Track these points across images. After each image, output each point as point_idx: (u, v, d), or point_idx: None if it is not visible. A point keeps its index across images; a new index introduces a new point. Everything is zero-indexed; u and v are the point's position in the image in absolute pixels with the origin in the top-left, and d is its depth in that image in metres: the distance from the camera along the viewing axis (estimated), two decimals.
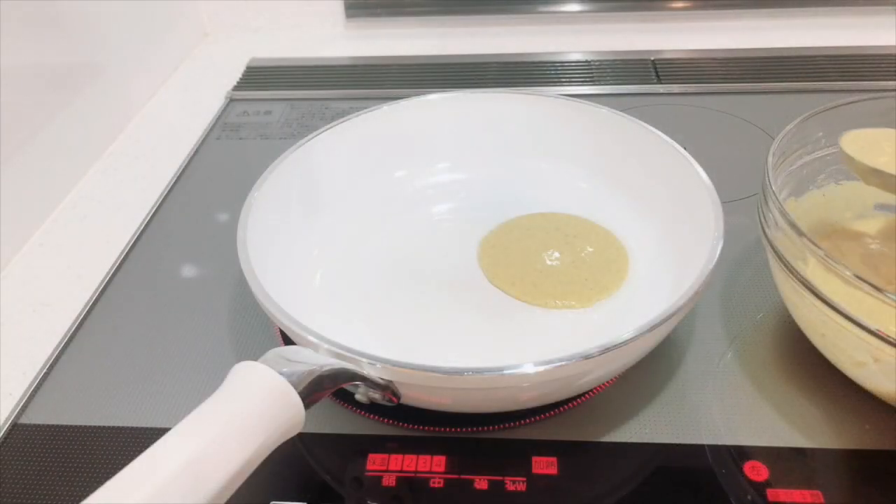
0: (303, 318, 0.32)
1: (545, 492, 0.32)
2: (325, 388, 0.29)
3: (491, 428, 0.35)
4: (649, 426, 0.35)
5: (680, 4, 0.74)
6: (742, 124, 0.57)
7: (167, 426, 0.25)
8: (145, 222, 0.51)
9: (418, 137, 0.49)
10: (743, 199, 0.48)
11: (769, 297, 0.41)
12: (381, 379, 0.30)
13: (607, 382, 0.36)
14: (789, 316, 0.37)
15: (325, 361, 0.29)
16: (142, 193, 0.54)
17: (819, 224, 0.41)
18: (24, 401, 0.38)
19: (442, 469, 0.33)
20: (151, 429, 0.36)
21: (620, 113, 0.45)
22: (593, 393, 0.36)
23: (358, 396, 0.31)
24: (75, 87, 0.56)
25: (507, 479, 0.33)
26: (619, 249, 0.43)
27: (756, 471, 0.32)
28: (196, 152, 0.58)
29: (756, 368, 0.37)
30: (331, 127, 0.46)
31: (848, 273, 0.29)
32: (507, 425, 0.35)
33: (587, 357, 0.29)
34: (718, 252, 0.34)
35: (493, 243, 0.44)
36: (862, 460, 0.33)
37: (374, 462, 0.34)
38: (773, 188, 0.34)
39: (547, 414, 0.35)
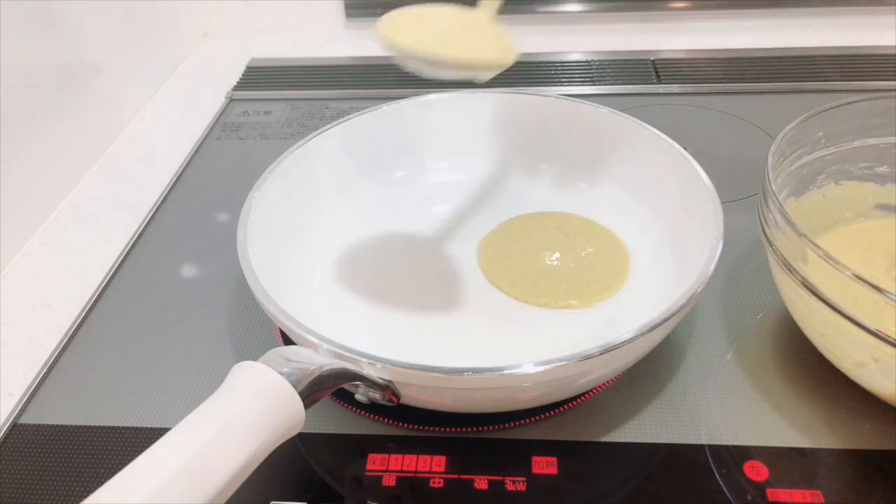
0: (303, 318, 0.32)
1: (545, 492, 0.32)
2: (325, 388, 0.29)
3: (491, 428, 0.35)
4: (649, 426, 0.35)
5: (680, 4, 0.74)
6: (742, 124, 0.57)
7: (167, 426, 0.25)
8: (145, 222, 0.51)
9: (418, 137, 0.49)
10: (743, 199, 0.48)
11: (769, 297, 0.41)
12: (381, 379, 0.30)
13: (607, 382, 0.36)
14: (789, 316, 0.37)
15: (325, 361, 0.29)
16: (142, 193, 0.54)
17: (819, 224, 0.41)
18: (24, 401, 0.38)
19: (442, 469, 0.33)
20: (151, 429, 0.36)
21: (620, 113, 0.45)
22: (593, 393, 0.36)
23: (358, 396, 0.31)
24: (75, 87, 0.56)
25: (507, 479, 0.33)
26: (619, 249, 0.43)
27: (756, 471, 0.32)
28: (196, 152, 0.58)
29: (756, 368, 0.37)
30: (331, 127, 0.46)
31: (848, 273, 0.29)
32: (507, 425, 0.35)
33: (587, 357, 0.29)
34: (718, 252, 0.34)
35: (492, 243, 0.44)
36: (862, 460, 0.33)
37: (374, 462, 0.34)
38: (773, 188, 0.34)
39: (547, 414, 0.35)
